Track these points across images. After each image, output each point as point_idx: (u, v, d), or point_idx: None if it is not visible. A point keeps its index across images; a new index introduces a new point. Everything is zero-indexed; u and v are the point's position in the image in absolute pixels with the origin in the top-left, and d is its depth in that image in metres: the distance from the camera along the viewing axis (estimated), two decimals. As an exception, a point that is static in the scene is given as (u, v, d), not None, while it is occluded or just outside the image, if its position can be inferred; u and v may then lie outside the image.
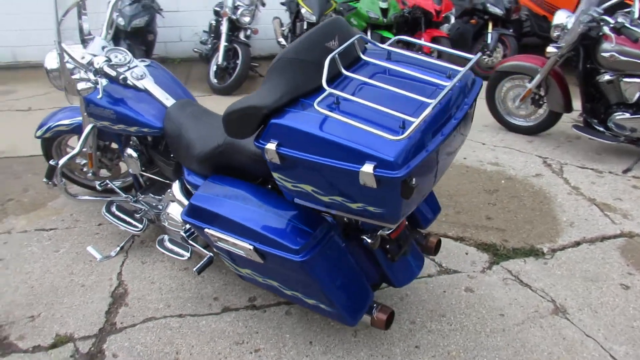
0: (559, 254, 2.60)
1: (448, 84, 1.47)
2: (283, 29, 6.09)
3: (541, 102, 3.97)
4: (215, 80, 5.23)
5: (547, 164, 3.62)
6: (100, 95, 2.18)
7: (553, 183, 3.33)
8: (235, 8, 5.19)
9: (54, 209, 3.01)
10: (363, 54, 1.73)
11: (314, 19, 5.42)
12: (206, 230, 1.82)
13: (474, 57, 1.62)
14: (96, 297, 2.29)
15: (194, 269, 2.07)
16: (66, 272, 2.45)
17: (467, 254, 2.61)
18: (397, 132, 1.38)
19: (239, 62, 5.12)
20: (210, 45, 5.49)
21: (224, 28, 5.21)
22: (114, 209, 2.58)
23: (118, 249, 2.54)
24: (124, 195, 2.61)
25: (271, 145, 1.53)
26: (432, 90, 1.56)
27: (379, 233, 1.81)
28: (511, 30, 5.74)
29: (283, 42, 5.97)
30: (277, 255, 1.67)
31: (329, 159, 1.45)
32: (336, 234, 1.77)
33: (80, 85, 2.19)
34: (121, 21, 4.96)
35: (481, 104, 4.68)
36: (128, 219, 2.52)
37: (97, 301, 2.26)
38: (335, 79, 1.60)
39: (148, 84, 2.28)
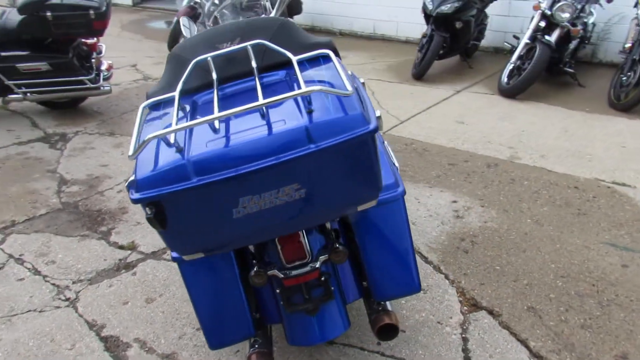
0: None
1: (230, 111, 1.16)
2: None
3: None
4: (505, 79, 4.70)
5: None
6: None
7: None
8: (553, 1, 4.44)
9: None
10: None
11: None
12: None
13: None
14: (181, 228, 2.75)
15: None
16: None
17: (521, 378, 1.81)
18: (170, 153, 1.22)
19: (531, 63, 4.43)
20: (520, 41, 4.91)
21: (532, 22, 4.58)
22: None
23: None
24: None
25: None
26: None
27: (269, 272, 1.56)
28: None
29: (628, 46, 4.73)
30: None
31: None
32: (231, 253, 1.62)
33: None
34: (429, 4, 4.98)
35: None
36: None
37: (178, 232, 2.72)
38: (223, 82, 1.45)
39: None
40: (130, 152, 1.19)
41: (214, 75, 1.42)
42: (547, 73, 5.08)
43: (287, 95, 1.17)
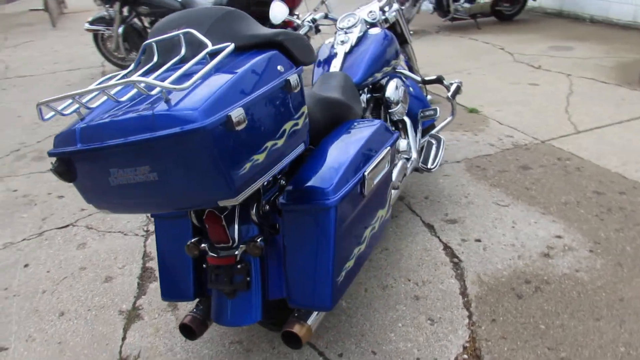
0: None
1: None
2: None
3: None
4: None
5: None
6: None
7: None
8: None
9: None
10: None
11: None
12: None
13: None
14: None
15: None
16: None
17: None
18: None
19: None
20: None
21: None
22: None
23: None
24: None
25: None
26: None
27: (201, 245, 1.64)
28: None
29: None
30: None
31: None
32: (190, 222, 1.74)
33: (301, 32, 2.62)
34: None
35: None
36: None
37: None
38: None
39: (339, 50, 2.42)
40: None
41: (155, 59, 1.53)
42: None
43: (114, 82, 1.22)
